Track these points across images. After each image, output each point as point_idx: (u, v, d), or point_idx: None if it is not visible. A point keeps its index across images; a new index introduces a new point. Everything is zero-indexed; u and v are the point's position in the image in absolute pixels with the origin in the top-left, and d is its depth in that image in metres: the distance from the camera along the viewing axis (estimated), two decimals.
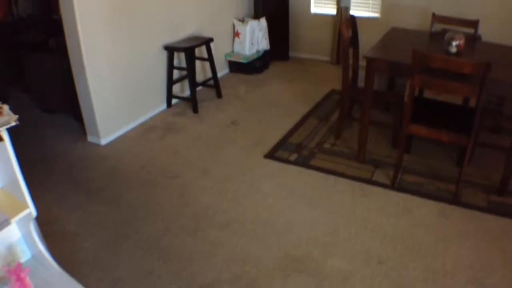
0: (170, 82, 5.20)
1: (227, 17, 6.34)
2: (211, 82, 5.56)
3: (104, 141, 4.48)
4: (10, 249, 2.01)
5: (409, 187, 3.62)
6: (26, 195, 1.83)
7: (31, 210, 1.85)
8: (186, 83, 5.48)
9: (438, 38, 4.26)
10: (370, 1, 6.47)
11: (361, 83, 4.23)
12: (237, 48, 6.45)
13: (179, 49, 4.98)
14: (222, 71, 6.43)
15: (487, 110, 4.02)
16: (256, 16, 6.66)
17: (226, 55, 6.46)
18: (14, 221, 1.81)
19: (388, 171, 3.85)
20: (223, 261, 2.91)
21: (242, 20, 6.44)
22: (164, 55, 5.11)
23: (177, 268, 2.86)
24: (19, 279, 1.75)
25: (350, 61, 4.20)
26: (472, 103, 3.77)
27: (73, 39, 4.05)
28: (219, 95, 5.58)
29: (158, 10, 4.89)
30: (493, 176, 3.75)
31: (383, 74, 4.42)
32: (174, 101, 5.39)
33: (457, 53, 3.69)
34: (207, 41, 5.27)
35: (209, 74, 5.62)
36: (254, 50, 6.43)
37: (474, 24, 4.49)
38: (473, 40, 4.33)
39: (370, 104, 3.80)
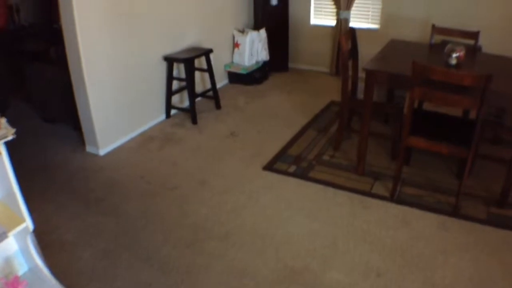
0: (169, 92, 5.20)
1: (227, 27, 6.36)
2: (210, 93, 5.56)
3: (102, 151, 4.47)
4: (8, 262, 2.00)
5: (409, 200, 3.61)
6: (23, 209, 1.82)
7: (28, 224, 1.84)
8: (185, 93, 5.48)
9: (438, 49, 4.26)
10: (370, 13, 6.49)
11: (360, 94, 4.24)
12: (236, 59, 6.47)
13: (178, 60, 4.99)
14: (222, 81, 6.44)
15: (487, 122, 4.02)
16: (256, 27, 6.67)
17: (225, 66, 6.47)
18: (11, 234, 1.80)
19: (387, 183, 3.84)
20: (222, 273, 2.89)
21: (242, 31, 6.46)
22: (163, 65, 5.11)
23: (175, 280, 2.84)
24: None
25: (350, 73, 4.20)
26: (472, 115, 3.77)
27: (73, 49, 4.06)
28: (218, 106, 5.58)
29: (158, 21, 4.91)
30: (493, 188, 3.74)
31: (382, 86, 4.42)
32: (173, 111, 5.39)
33: (457, 65, 3.69)
34: (207, 52, 5.28)
35: (209, 85, 5.63)
36: (253, 61, 6.45)
37: (474, 35, 4.49)
38: (473, 51, 4.33)
39: (370, 116, 3.79)
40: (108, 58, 4.34)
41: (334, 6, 6.55)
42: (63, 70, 4.33)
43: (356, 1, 6.39)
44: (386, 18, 6.28)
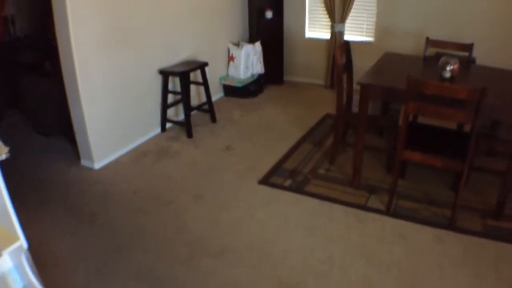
0: (165, 106, 5.19)
1: (222, 41, 6.38)
2: (206, 106, 5.56)
3: (97, 165, 4.46)
4: (3, 278, 1.99)
5: (405, 213, 3.60)
6: (17, 228, 1.81)
7: (22, 242, 1.83)
8: (180, 107, 5.48)
9: (432, 62, 4.28)
10: (364, 26, 6.53)
11: (355, 108, 4.24)
12: (232, 72, 6.48)
13: (174, 74, 5.00)
14: (217, 94, 6.44)
15: (481, 135, 4.03)
16: (251, 40, 6.70)
17: (220, 79, 6.47)
18: (5, 253, 1.78)
19: (383, 196, 3.83)
20: None
21: (237, 44, 6.48)
22: (158, 79, 5.11)
23: None
24: None
25: (344, 85, 4.21)
26: (467, 127, 3.78)
27: (68, 62, 4.06)
28: (213, 119, 5.58)
29: (153, 35, 4.92)
30: (488, 200, 3.74)
31: (377, 99, 4.43)
32: (168, 125, 5.39)
33: (452, 78, 3.70)
34: (202, 66, 5.29)
35: (204, 98, 5.63)
36: (249, 74, 6.46)
37: (468, 47, 4.51)
38: (467, 63, 4.35)
39: (364, 130, 3.80)
40: (103, 71, 4.33)
41: (328, 19, 6.58)
42: (58, 83, 4.32)
43: (350, 14, 6.42)
44: (381, 31, 6.31)
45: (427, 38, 4.71)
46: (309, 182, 4.11)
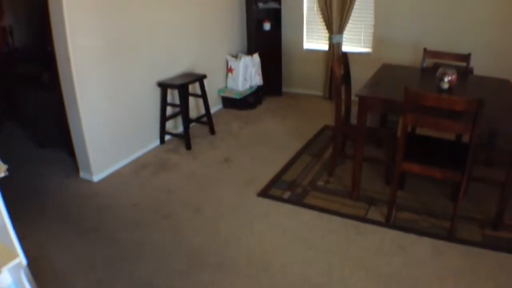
0: (163, 118, 5.21)
1: (221, 53, 6.40)
2: (205, 118, 5.57)
3: (96, 177, 4.46)
4: None
5: (404, 224, 3.60)
6: (16, 244, 1.81)
7: (21, 259, 1.82)
8: (179, 119, 5.49)
9: (429, 73, 4.30)
10: (362, 37, 6.57)
11: (353, 119, 4.25)
12: (230, 83, 6.49)
13: (172, 86, 5.01)
14: (216, 106, 6.46)
15: (479, 144, 4.03)
16: (249, 52, 6.73)
17: (219, 91, 6.49)
18: (4, 269, 1.78)
19: (382, 208, 3.83)
20: None
21: (236, 56, 6.50)
22: (157, 91, 5.13)
23: None
24: None
25: (343, 97, 4.22)
26: (465, 138, 3.79)
27: (66, 74, 4.08)
28: (212, 131, 5.59)
29: (152, 47, 4.94)
30: (487, 210, 3.74)
31: (375, 111, 4.44)
32: (167, 137, 5.39)
33: (449, 89, 3.72)
34: (201, 78, 5.30)
35: (203, 110, 5.64)
36: (247, 86, 6.48)
37: (465, 58, 4.53)
38: (465, 74, 4.37)
39: (363, 142, 3.80)
40: (102, 83, 4.35)
41: (326, 31, 6.61)
42: (57, 94, 4.33)
43: (348, 26, 6.46)
44: (378, 41, 6.35)
45: (425, 49, 4.74)
46: (308, 194, 4.11)
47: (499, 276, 3.00)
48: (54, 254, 3.35)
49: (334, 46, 6.54)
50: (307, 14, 6.87)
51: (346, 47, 6.64)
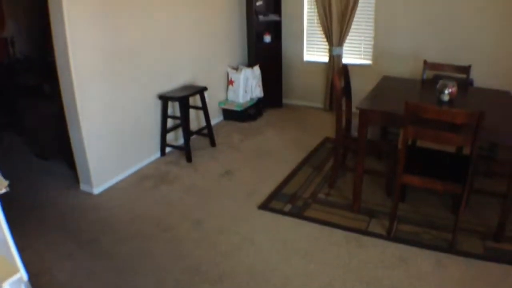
0: (164, 130, 5.21)
1: (221, 65, 6.42)
2: (205, 130, 5.58)
3: (97, 190, 4.45)
4: None
5: (405, 237, 3.59)
6: (17, 260, 1.81)
7: (22, 274, 1.82)
8: (180, 131, 5.50)
9: (430, 85, 4.31)
10: (362, 49, 6.59)
11: (354, 132, 4.25)
12: (231, 96, 6.51)
13: (173, 99, 5.02)
14: (216, 118, 6.47)
15: (480, 156, 4.03)
16: (250, 64, 6.75)
17: (220, 103, 6.50)
18: (5, 284, 1.77)
19: (384, 220, 3.82)
20: None
21: (236, 68, 6.52)
22: (158, 104, 5.14)
23: None
24: None
25: (343, 108, 4.22)
26: (466, 150, 3.79)
27: (67, 86, 4.09)
28: (213, 143, 5.59)
29: (153, 59, 4.96)
30: (488, 222, 3.73)
31: (376, 124, 4.44)
32: (168, 149, 5.40)
33: (450, 101, 3.74)
34: (201, 90, 5.31)
35: (203, 123, 5.65)
36: (247, 98, 6.49)
37: (465, 70, 4.54)
38: (465, 85, 4.38)
39: (364, 155, 3.80)
40: (103, 95, 4.36)
41: (326, 43, 6.64)
42: (57, 106, 4.34)
43: (348, 38, 6.49)
44: (378, 53, 6.37)
45: (425, 61, 4.75)
46: (309, 206, 4.10)
47: None
48: (54, 266, 3.34)
49: (334, 58, 6.56)
50: (307, 26, 6.90)
51: (346, 59, 6.66)
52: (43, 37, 6.20)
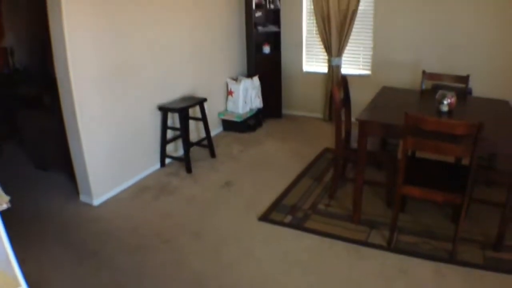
0: (164, 142, 5.22)
1: (221, 76, 6.44)
2: (205, 141, 5.59)
3: (96, 201, 4.45)
4: None
5: (405, 248, 3.58)
6: (18, 274, 1.80)
7: None
8: (180, 142, 5.50)
9: (429, 95, 4.34)
10: (361, 59, 6.62)
11: (354, 143, 4.26)
12: (230, 106, 6.52)
13: (173, 110, 5.03)
14: (216, 129, 6.48)
15: (479, 166, 4.03)
16: (249, 75, 6.78)
17: (219, 114, 6.52)
18: None
19: (384, 231, 3.81)
20: None
21: (235, 79, 6.54)
22: (158, 115, 5.15)
23: None
24: None
25: (343, 118, 4.23)
26: (465, 160, 3.79)
27: (67, 97, 4.10)
28: (212, 154, 5.60)
29: (152, 70, 4.98)
30: (488, 231, 3.73)
31: (375, 135, 4.45)
32: (167, 160, 5.40)
33: (449, 112, 3.75)
34: (201, 102, 5.33)
35: (203, 133, 5.66)
36: (247, 109, 6.51)
37: (464, 79, 4.56)
38: (464, 95, 4.39)
39: (364, 166, 3.81)
40: (103, 107, 4.37)
41: (325, 54, 6.67)
42: (57, 117, 4.35)
43: (347, 48, 6.52)
44: (377, 64, 6.40)
45: (424, 71, 4.77)
46: (309, 218, 4.09)
47: None
48: (54, 278, 3.33)
49: (334, 68, 6.59)
50: (306, 37, 6.95)
51: (345, 70, 6.69)
52: (43, 48, 6.22)
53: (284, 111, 7.34)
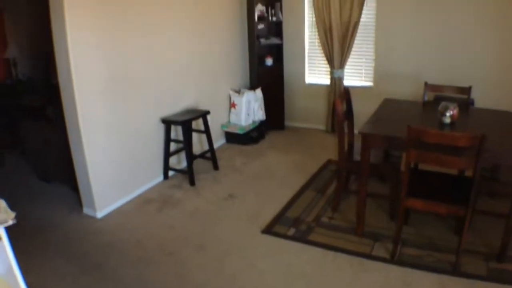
0: (167, 154, 5.23)
1: (223, 88, 6.46)
2: (208, 154, 5.60)
3: (100, 214, 4.45)
4: None
5: (409, 260, 3.57)
6: (21, 285, 1.81)
7: None
8: (183, 155, 5.52)
9: (431, 107, 4.34)
10: (363, 71, 6.64)
11: (356, 155, 4.26)
12: (233, 119, 6.54)
13: (176, 123, 5.04)
14: (219, 141, 6.49)
15: (482, 177, 4.03)
16: (252, 87, 6.80)
17: (222, 126, 6.53)
18: None
19: (387, 244, 3.80)
20: None
21: (238, 91, 6.56)
22: (161, 127, 5.17)
23: None
24: None
25: (345, 130, 4.23)
26: (468, 172, 3.79)
27: (71, 109, 4.12)
28: (215, 167, 5.60)
29: (156, 83, 5.01)
30: (491, 243, 3.71)
31: (378, 148, 4.46)
32: (171, 173, 5.41)
33: (452, 124, 3.75)
34: (204, 114, 5.35)
35: (206, 146, 5.67)
36: (250, 121, 6.52)
37: (466, 90, 4.57)
38: (466, 106, 4.40)
39: (367, 179, 3.81)
40: (106, 119, 4.39)
41: (328, 65, 6.69)
42: (60, 129, 4.36)
43: (349, 60, 6.54)
44: (379, 75, 6.42)
45: (426, 83, 4.77)
46: (312, 230, 4.09)
47: None
48: None
49: (336, 80, 6.61)
50: (308, 49, 6.98)
51: (347, 81, 6.71)
52: (46, 59, 6.25)
53: (287, 123, 7.36)
